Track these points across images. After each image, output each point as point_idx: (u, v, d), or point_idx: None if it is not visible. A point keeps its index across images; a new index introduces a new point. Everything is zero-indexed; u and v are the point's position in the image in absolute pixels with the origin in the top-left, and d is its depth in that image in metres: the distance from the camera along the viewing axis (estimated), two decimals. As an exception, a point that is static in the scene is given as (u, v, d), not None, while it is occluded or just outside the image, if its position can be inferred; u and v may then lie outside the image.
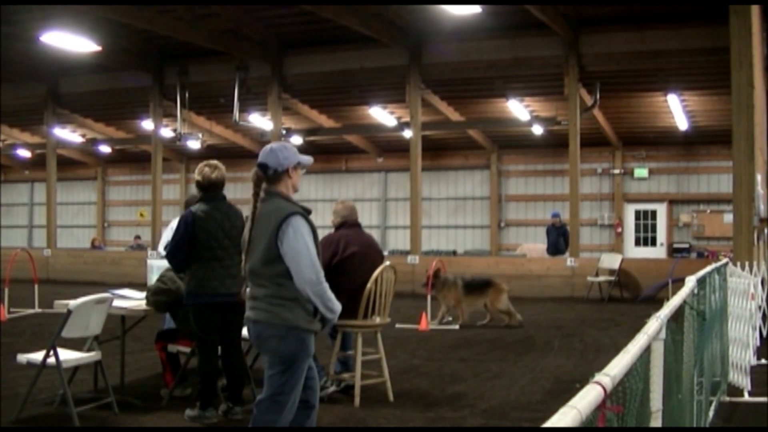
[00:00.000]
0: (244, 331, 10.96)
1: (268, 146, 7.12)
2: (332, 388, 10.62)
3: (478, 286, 18.84)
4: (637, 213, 35.97)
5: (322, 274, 6.83)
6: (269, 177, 6.94)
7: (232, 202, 9.95)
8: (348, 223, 11.08)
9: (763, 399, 10.59)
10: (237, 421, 9.61)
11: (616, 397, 3.32)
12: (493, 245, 37.46)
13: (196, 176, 9.73)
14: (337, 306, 6.93)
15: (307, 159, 7.30)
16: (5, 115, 36.44)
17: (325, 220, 40.77)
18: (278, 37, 28.30)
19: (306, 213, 6.97)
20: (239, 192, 41.47)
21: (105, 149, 41.13)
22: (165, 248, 10.46)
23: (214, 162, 9.85)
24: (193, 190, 10.49)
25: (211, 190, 9.68)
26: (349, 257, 10.63)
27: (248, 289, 7.07)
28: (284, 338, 6.77)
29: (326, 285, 6.82)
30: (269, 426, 6.86)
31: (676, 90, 28.04)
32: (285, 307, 6.75)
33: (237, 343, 9.86)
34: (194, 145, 34.92)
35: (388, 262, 10.60)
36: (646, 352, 4.35)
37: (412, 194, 28.12)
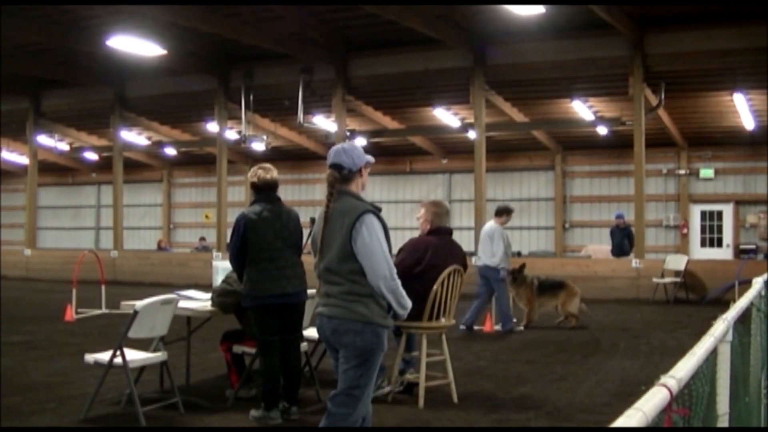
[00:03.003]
0: (311, 331, 11.11)
1: (339, 146, 7.19)
2: (388, 388, 10.61)
3: (551, 287, 18.80)
4: (703, 214, 35.64)
5: (395, 270, 6.93)
6: (343, 177, 7.03)
7: (290, 204, 10.00)
8: (441, 231, 10.98)
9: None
10: (294, 422, 9.66)
11: (682, 400, 3.30)
12: (558, 246, 37.32)
13: (251, 178, 9.82)
14: (409, 302, 7.04)
15: (371, 158, 7.27)
16: (73, 118, 36.97)
17: (389, 221, 41.09)
18: (342, 39, 28.36)
19: (377, 211, 7.04)
20: (303, 193, 41.83)
21: (170, 152, 41.54)
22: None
23: (267, 165, 9.98)
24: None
25: (264, 191, 9.77)
26: (431, 268, 10.48)
27: (320, 287, 7.13)
28: (360, 333, 6.84)
29: (399, 282, 6.92)
30: (344, 419, 6.93)
31: (742, 89, 27.75)
32: (360, 303, 6.83)
33: (295, 343, 9.92)
34: (259, 147, 35.06)
35: (454, 265, 10.56)
36: (713, 355, 4.31)
37: (476, 195, 28.07)
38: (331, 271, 6.95)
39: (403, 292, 6.98)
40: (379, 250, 6.83)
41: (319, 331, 7.17)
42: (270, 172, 9.81)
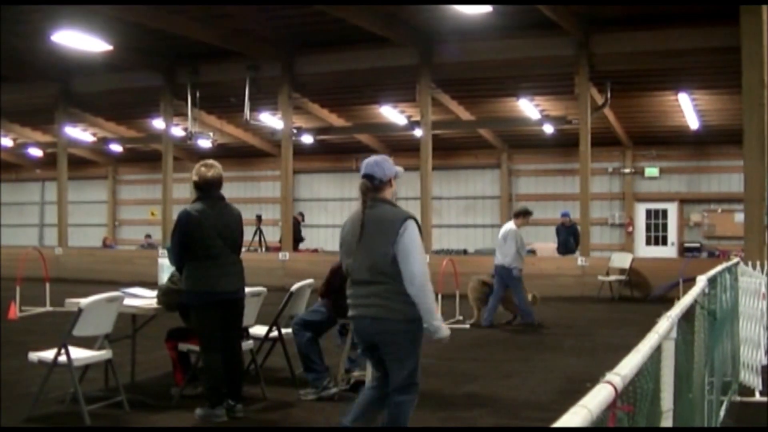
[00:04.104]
0: (257, 329, 11.07)
1: (371, 159, 7.77)
2: (334, 389, 10.60)
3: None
4: (648, 212, 35.92)
5: (428, 272, 7.42)
6: (375, 186, 7.60)
7: (236, 201, 9.98)
8: None
9: (774, 399, 10.59)
10: (239, 419, 9.64)
11: (626, 397, 3.32)
12: (504, 244, 37.38)
13: (193, 176, 9.77)
14: (434, 306, 7.49)
15: (401, 170, 7.87)
16: (17, 114, 36.59)
17: (335, 218, 40.94)
18: (289, 37, 28.25)
19: (415, 218, 7.59)
20: (249, 191, 41.74)
21: (116, 148, 41.25)
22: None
23: (210, 161, 9.89)
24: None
25: (206, 189, 9.72)
26: None
27: (354, 289, 7.60)
28: (404, 330, 7.40)
29: (430, 285, 7.39)
30: (410, 405, 7.72)
31: (687, 89, 28.03)
32: (400, 302, 7.34)
33: (236, 340, 9.90)
34: (205, 144, 34.90)
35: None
36: (657, 352, 4.34)
37: (422, 193, 28.10)
38: (372, 272, 7.43)
39: (432, 295, 7.43)
40: (418, 251, 7.38)
41: (360, 333, 7.72)
42: (212, 169, 9.74)
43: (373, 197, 7.57)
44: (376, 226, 7.46)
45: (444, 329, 7.61)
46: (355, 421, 7.74)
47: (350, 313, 7.68)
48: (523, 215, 18.92)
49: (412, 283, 7.29)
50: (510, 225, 18.87)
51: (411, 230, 7.39)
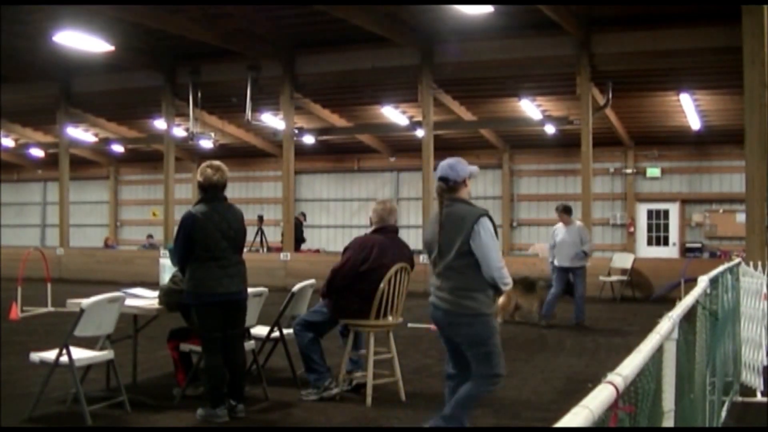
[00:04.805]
0: (259, 329, 11.08)
1: (445, 162, 8.34)
2: (336, 390, 10.60)
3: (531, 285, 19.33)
4: (650, 213, 35.92)
5: (503, 262, 8.01)
6: (450, 187, 8.17)
7: (237, 202, 9.98)
8: (387, 229, 10.91)
9: (775, 399, 10.58)
10: (241, 419, 9.64)
11: (628, 397, 3.32)
12: (505, 245, 37.40)
13: (198, 177, 9.77)
14: (509, 279, 8.08)
15: (476, 169, 8.51)
16: (18, 114, 36.60)
17: (337, 219, 40.89)
18: (290, 37, 28.26)
19: (488, 214, 8.17)
20: (251, 191, 41.77)
21: (117, 149, 41.23)
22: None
23: (217, 163, 9.86)
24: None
25: (211, 191, 9.71)
26: (378, 268, 10.45)
27: (433, 280, 8.21)
28: (472, 324, 7.96)
29: (506, 270, 7.99)
30: (489, 392, 8.42)
31: (688, 89, 27.99)
32: (469, 297, 7.93)
33: (238, 339, 9.90)
34: (206, 144, 34.90)
35: (401, 264, 10.56)
36: (659, 352, 4.34)
37: (424, 194, 28.06)
38: (448, 267, 8.01)
39: (508, 278, 8.03)
40: (493, 247, 7.95)
41: (435, 322, 8.35)
42: (218, 172, 9.73)
43: (449, 198, 8.14)
44: (453, 224, 8.00)
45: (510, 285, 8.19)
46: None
47: (430, 299, 8.23)
48: (558, 212, 19.37)
49: (490, 275, 7.85)
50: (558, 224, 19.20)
51: (486, 227, 7.94)
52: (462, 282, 7.93)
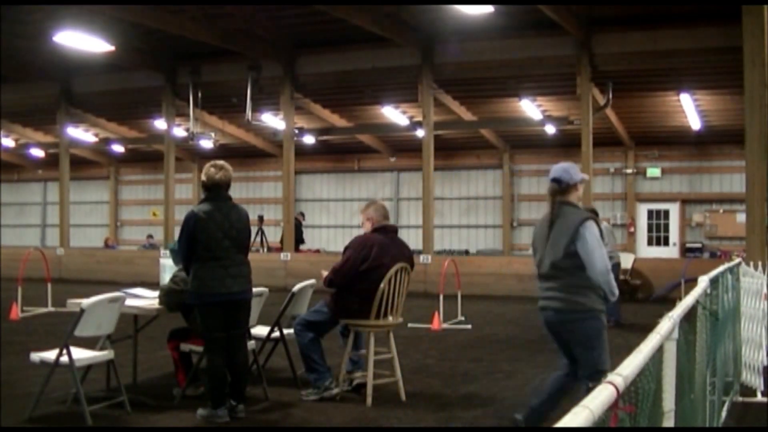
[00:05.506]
0: (259, 329, 11.09)
1: (560, 165, 8.62)
2: (336, 390, 10.58)
3: None
4: (650, 213, 35.90)
5: (609, 265, 8.09)
6: (562, 189, 8.39)
7: (237, 202, 9.96)
8: (387, 229, 10.86)
9: (776, 399, 10.58)
10: (241, 420, 9.64)
11: (628, 397, 3.32)
12: (506, 245, 37.45)
13: (202, 176, 9.78)
14: (617, 290, 8.20)
15: (586, 177, 8.80)
16: (18, 114, 36.60)
17: (337, 219, 40.88)
18: (290, 37, 28.28)
19: (595, 217, 8.45)
20: (251, 191, 41.75)
21: (118, 149, 41.19)
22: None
23: (221, 162, 9.86)
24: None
25: (214, 190, 9.71)
26: (378, 267, 10.43)
27: (541, 283, 8.41)
28: (584, 320, 8.11)
29: (612, 275, 8.08)
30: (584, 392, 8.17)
31: (688, 89, 27.99)
32: (581, 294, 8.07)
33: (240, 340, 9.89)
34: (207, 144, 34.91)
35: (401, 263, 10.55)
36: (659, 352, 4.34)
37: (424, 194, 28.07)
38: (556, 267, 8.16)
39: (614, 282, 8.11)
40: (598, 250, 8.02)
41: (546, 323, 8.39)
42: (221, 171, 9.72)
43: (560, 200, 8.34)
44: (561, 225, 8.17)
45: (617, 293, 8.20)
46: (540, 404, 8.39)
47: (538, 303, 8.40)
48: None
49: (595, 277, 7.94)
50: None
51: (591, 229, 8.05)
52: (573, 280, 8.07)
